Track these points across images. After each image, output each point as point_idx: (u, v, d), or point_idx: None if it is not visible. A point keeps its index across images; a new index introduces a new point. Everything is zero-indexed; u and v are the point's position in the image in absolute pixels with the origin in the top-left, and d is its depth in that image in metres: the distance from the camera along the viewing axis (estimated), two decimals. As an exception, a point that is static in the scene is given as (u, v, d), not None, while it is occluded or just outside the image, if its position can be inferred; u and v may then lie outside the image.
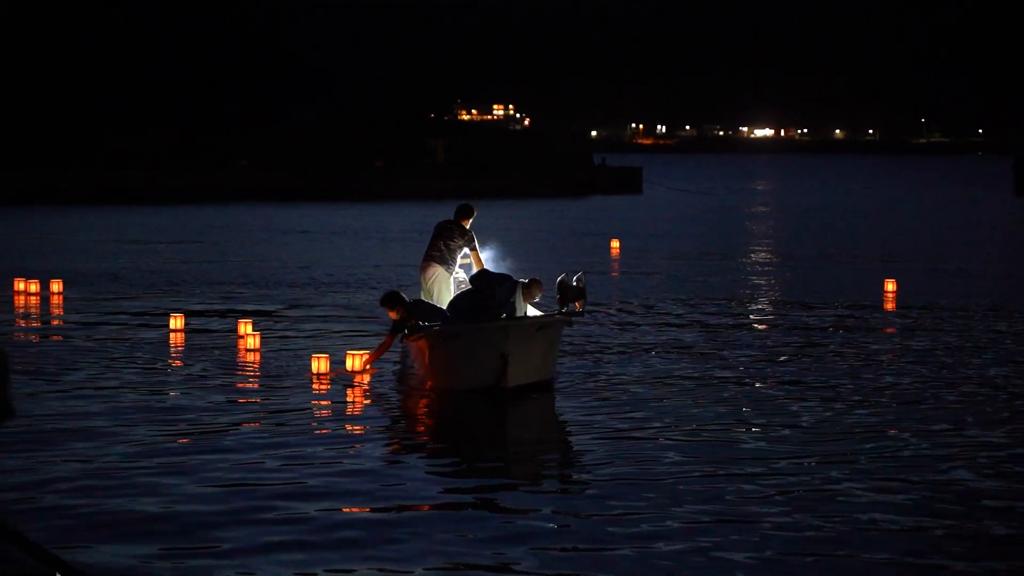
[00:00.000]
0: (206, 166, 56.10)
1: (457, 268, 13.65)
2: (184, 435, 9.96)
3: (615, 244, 29.15)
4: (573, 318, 11.85)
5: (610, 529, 7.58)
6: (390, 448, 9.86)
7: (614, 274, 22.96)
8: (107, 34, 65.14)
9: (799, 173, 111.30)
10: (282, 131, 61.45)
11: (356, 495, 8.28)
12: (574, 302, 11.45)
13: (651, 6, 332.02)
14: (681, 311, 17.53)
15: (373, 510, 7.96)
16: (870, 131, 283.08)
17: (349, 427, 10.48)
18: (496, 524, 7.75)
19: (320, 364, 12.39)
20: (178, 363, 13.28)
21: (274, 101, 67.50)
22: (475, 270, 13.36)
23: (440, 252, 13.54)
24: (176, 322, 15.25)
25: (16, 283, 18.86)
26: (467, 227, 13.68)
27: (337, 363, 12.63)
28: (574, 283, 11.49)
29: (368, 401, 11.56)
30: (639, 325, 16.07)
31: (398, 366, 13.13)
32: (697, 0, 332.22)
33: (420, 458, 9.67)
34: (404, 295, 12.81)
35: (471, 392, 11.42)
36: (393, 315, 12.52)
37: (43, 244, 29.53)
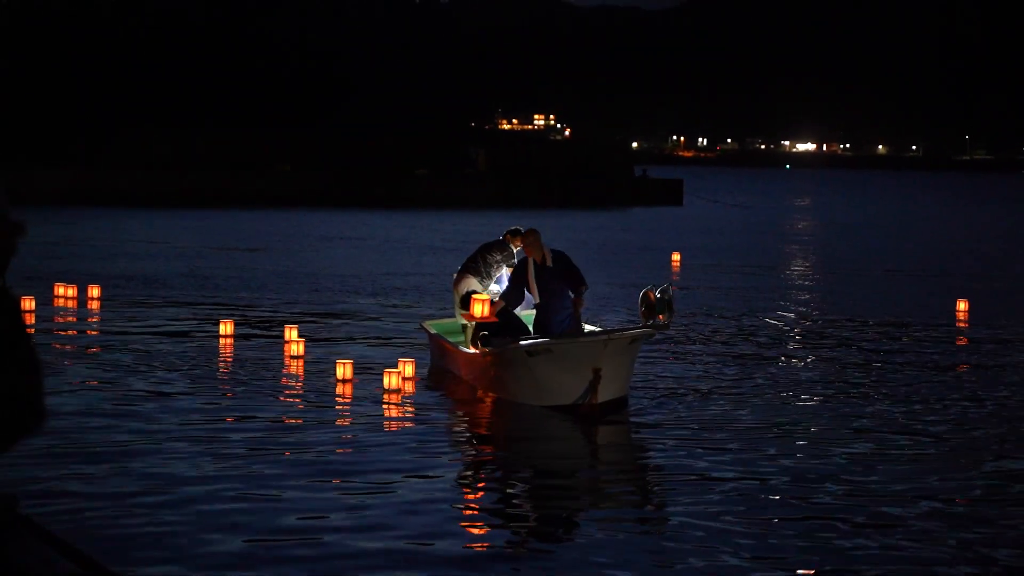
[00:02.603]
0: (248, 170, 56.00)
1: (492, 283, 13.23)
2: (232, 445, 9.50)
3: (676, 257, 28.35)
4: (658, 331, 11.39)
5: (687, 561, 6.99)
6: (454, 468, 9.28)
7: (674, 288, 22.29)
8: (147, 37, 65.28)
9: (842, 188, 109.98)
10: (325, 137, 61.27)
11: (422, 516, 7.74)
12: (659, 315, 10.89)
13: (694, 18, 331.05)
14: (749, 328, 16.92)
15: (443, 534, 7.45)
16: (913, 147, 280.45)
17: (405, 442, 9.88)
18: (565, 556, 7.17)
19: (345, 370, 12.09)
20: (225, 369, 12.89)
21: (317, 107, 67.39)
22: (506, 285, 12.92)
23: (476, 264, 13.23)
24: (226, 327, 14.91)
25: (56, 288, 18.50)
26: (511, 247, 13.25)
27: (365, 369, 12.40)
28: (658, 295, 10.94)
29: (426, 416, 10.99)
30: (707, 340, 15.49)
31: (428, 375, 12.59)
32: (740, 13, 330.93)
33: (488, 478, 9.12)
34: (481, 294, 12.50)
35: (551, 409, 10.91)
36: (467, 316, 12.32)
37: (82, 247, 29.28)
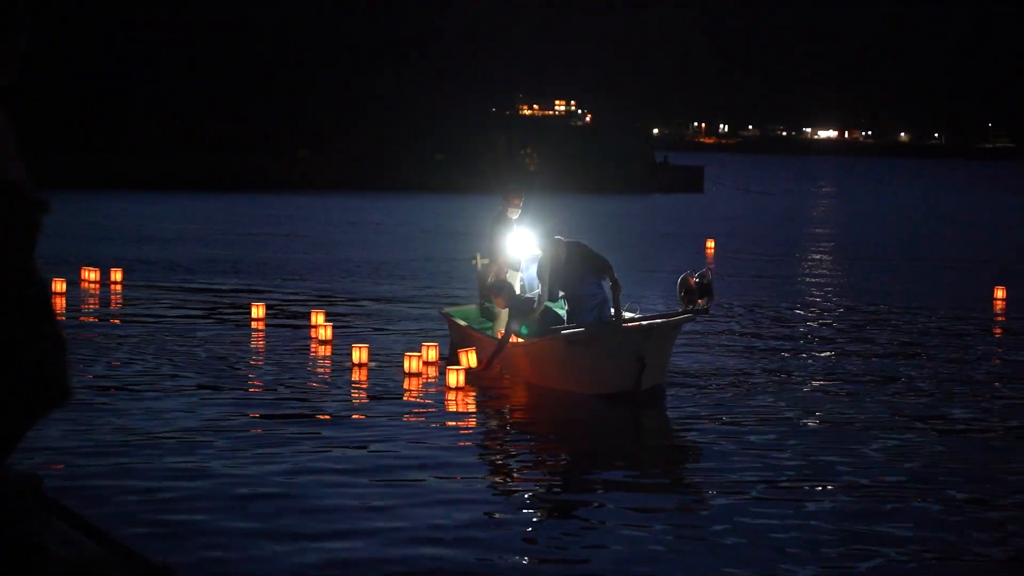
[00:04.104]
0: (266, 155, 55.97)
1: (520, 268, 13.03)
2: (255, 431, 9.31)
3: (710, 244, 27.87)
4: (697, 316, 11.25)
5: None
6: (481, 454, 9.09)
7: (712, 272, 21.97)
8: (167, 23, 65.29)
9: (865, 176, 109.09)
10: (343, 121, 61.16)
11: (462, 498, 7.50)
12: (698, 300, 10.73)
13: (714, 4, 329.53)
14: (784, 316, 16.60)
15: (464, 520, 7.22)
16: (935, 135, 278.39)
17: (430, 429, 9.65)
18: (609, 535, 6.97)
19: (361, 354, 11.93)
20: (251, 354, 12.72)
21: (336, 91, 67.24)
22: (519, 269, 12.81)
23: (497, 250, 13.04)
24: (257, 311, 14.75)
25: (83, 271, 18.39)
26: (512, 213, 13.02)
27: (381, 353, 12.25)
28: (697, 279, 10.77)
29: (452, 402, 10.79)
30: (743, 328, 15.21)
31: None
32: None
33: (523, 467, 8.88)
34: (511, 285, 12.28)
35: (589, 397, 10.77)
36: (499, 303, 12.09)
37: (108, 231, 29.24)
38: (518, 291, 12.49)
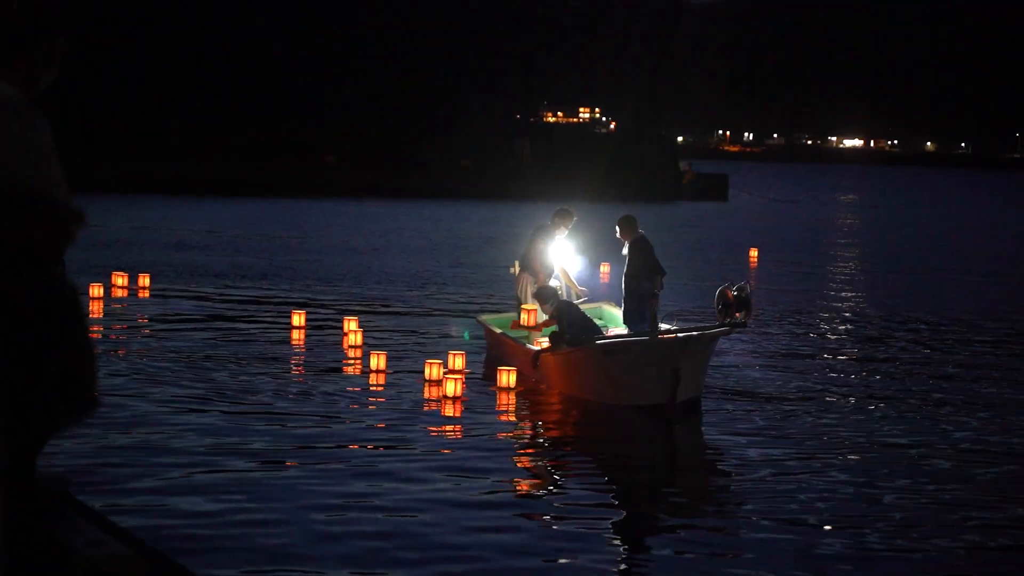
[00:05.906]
0: (292, 160, 56.19)
1: (552, 280, 13.06)
2: (293, 438, 9.28)
3: (754, 254, 27.51)
4: (735, 329, 11.16)
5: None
6: (508, 461, 9.01)
7: (752, 285, 21.84)
8: (199, 25, 65.71)
9: (892, 185, 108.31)
10: (368, 127, 61.33)
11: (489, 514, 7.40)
12: (736, 313, 10.68)
13: (741, 12, 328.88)
14: (821, 328, 16.37)
15: (489, 527, 7.16)
16: (962, 144, 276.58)
17: (460, 434, 9.52)
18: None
19: (379, 360, 11.98)
20: (282, 360, 12.66)
21: (360, 97, 67.47)
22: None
23: (532, 262, 13.05)
24: (299, 319, 14.64)
25: (114, 277, 18.43)
26: (560, 232, 13.06)
27: (404, 360, 12.33)
28: (735, 292, 10.72)
29: (482, 411, 10.69)
30: (779, 340, 15.01)
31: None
32: (787, 7, 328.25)
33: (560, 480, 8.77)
34: (558, 291, 12.33)
35: (625, 408, 10.72)
36: (545, 309, 12.22)
37: (140, 236, 29.31)
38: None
